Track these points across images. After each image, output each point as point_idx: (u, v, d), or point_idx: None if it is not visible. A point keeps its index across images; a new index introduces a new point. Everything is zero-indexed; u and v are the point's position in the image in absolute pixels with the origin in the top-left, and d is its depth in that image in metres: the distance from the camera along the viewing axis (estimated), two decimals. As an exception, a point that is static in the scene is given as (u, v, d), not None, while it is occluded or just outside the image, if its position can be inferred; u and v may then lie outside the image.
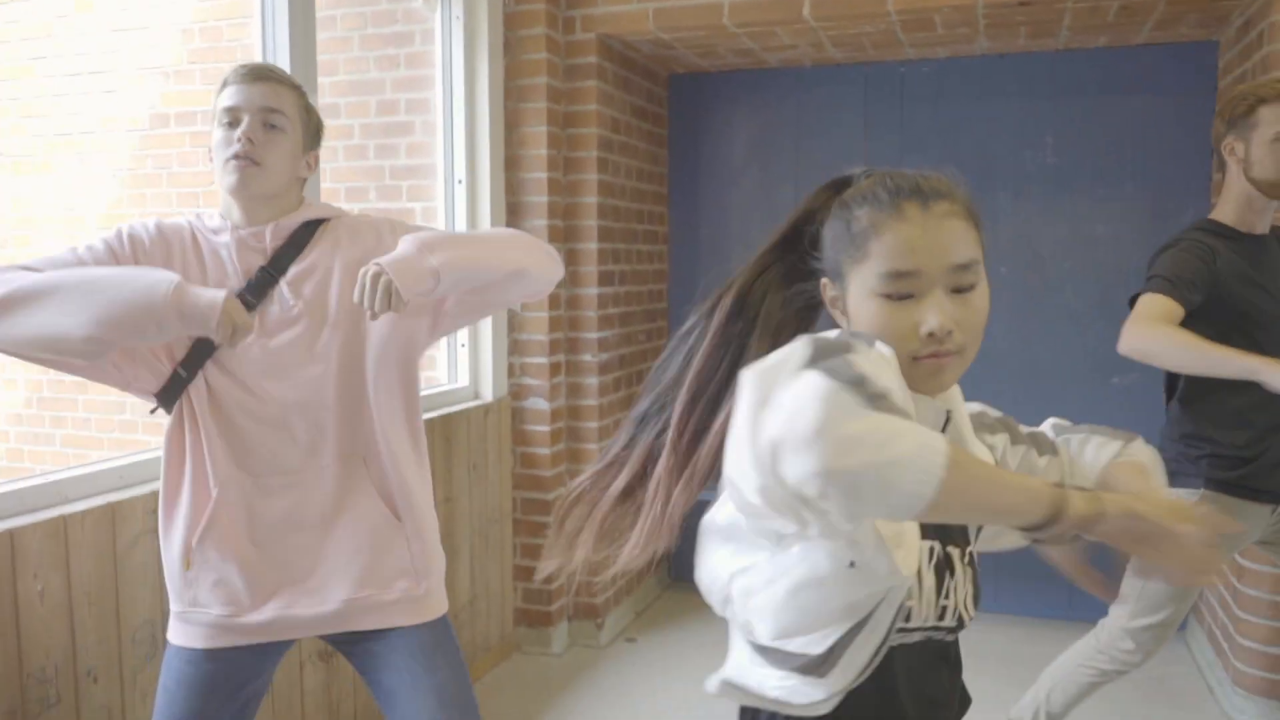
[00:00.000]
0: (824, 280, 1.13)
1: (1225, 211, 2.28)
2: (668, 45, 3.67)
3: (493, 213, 3.45)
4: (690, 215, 4.24)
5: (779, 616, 0.97)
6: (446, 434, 3.13)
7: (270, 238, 1.66)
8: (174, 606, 1.66)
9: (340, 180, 3.78)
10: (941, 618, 1.06)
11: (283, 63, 2.59)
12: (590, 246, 3.60)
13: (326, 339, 1.65)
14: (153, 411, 1.68)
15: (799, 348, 0.88)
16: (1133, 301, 2.24)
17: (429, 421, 2.78)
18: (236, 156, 1.60)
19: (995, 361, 3.72)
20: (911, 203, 1.03)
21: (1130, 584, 2.34)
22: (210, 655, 1.64)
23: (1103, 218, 3.71)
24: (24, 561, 1.82)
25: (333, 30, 3.76)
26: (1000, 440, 1.20)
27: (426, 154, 3.63)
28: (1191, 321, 2.13)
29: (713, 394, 1.10)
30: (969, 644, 1.17)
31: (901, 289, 1.02)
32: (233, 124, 1.63)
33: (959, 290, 1.03)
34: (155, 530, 1.69)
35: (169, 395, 1.63)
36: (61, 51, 4.27)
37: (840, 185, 1.15)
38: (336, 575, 1.66)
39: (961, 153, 3.85)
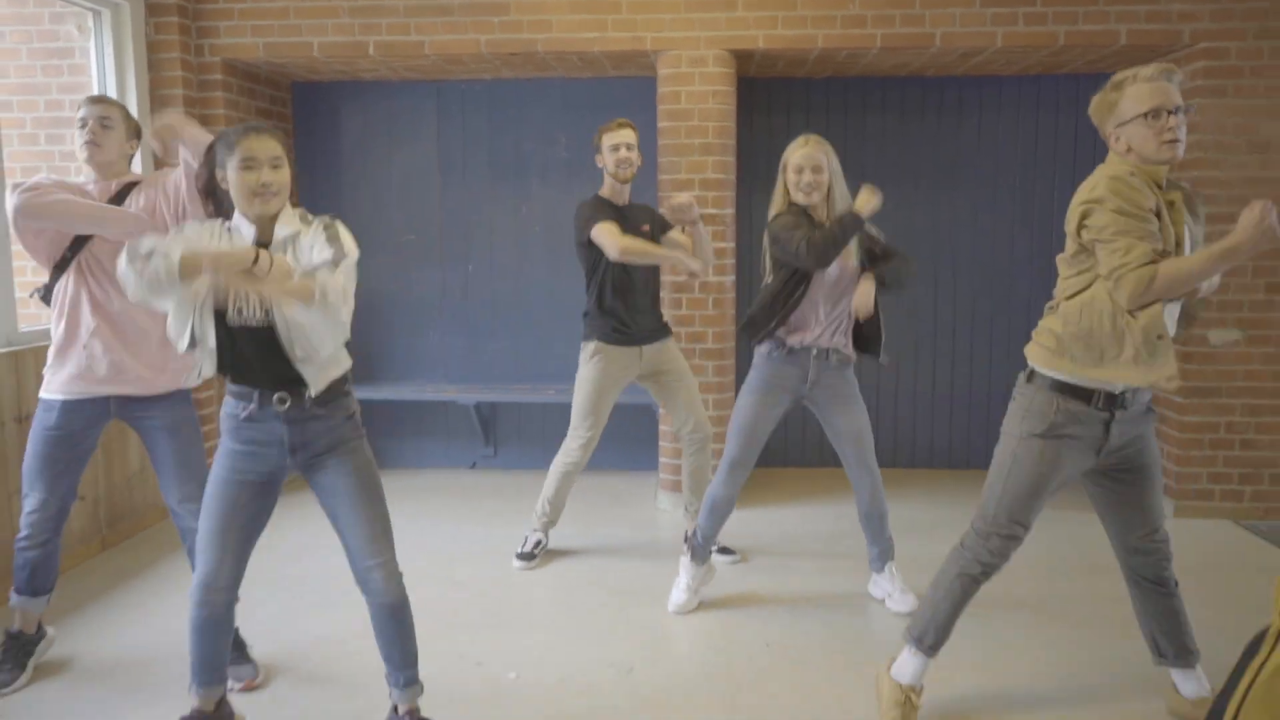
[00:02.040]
0: (219, 175, 2.42)
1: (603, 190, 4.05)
2: (280, 66, 5.01)
3: (145, 188, 4.67)
4: (312, 191, 5.62)
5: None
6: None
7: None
8: None
9: (17, 161, 4.81)
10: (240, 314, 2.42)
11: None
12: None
13: None
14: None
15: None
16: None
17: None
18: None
19: (542, 298, 5.40)
20: (249, 132, 2.38)
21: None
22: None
23: (596, 194, 5.46)
24: None
25: (2, 42, 4.77)
26: (308, 231, 2.49)
27: (90, 142, 4.75)
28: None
29: None
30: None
31: (250, 165, 2.36)
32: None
33: (275, 167, 2.40)
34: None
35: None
36: None
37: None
38: None
39: (506, 149, 5.50)
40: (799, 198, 3.36)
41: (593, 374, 4.04)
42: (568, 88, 5.46)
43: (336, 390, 2.53)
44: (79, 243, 2.98)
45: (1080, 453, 2.57)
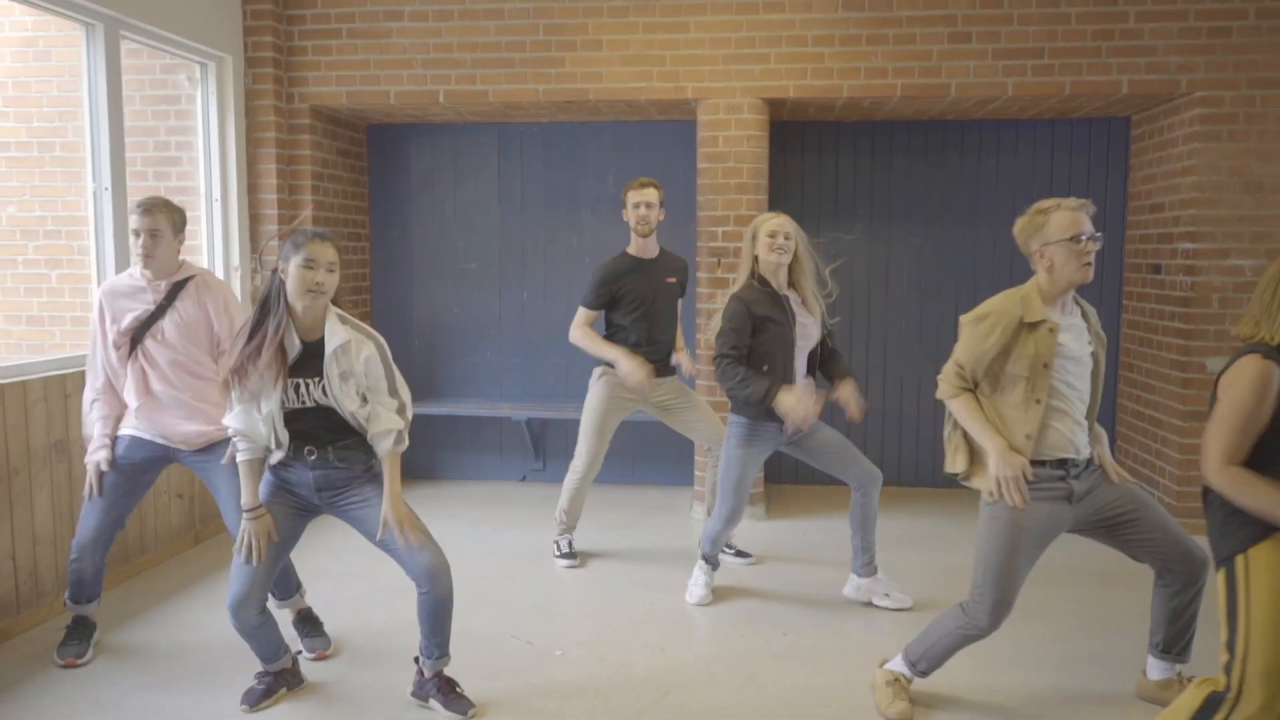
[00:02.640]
0: (280, 266, 2.95)
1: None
2: (360, 111, 5.59)
3: (239, 221, 5.27)
4: (384, 222, 6.19)
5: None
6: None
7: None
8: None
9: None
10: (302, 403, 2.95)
11: (100, 111, 4.31)
12: (308, 243, 5.47)
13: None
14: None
15: None
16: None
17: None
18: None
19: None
20: (314, 238, 2.91)
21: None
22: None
23: (641, 227, 5.95)
24: (-19, 407, 3.55)
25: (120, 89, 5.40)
26: (354, 341, 3.03)
27: (192, 179, 5.36)
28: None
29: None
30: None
31: (310, 265, 2.88)
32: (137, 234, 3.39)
33: (330, 271, 2.92)
34: (45, 399, 3.46)
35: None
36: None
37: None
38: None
39: (559, 185, 6.02)
40: (771, 258, 3.78)
41: (598, 395, 4.50)
42: (616, 130, 5.97)
43: (357, 451, 3.02)
44: (135, 339, 3.46)
45: (1051, 502, 2.93)
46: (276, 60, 5.32)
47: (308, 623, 3.63)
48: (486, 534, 5.12)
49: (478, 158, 6.09)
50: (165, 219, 3.42)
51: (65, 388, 3.96)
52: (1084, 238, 2.82)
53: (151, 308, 3.46)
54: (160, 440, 3.50)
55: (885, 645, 3.60)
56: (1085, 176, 5.74)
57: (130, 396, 3.49)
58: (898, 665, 3.20)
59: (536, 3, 5.21)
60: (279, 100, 5.35)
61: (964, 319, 2.99)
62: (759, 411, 3.81)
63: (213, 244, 5.27)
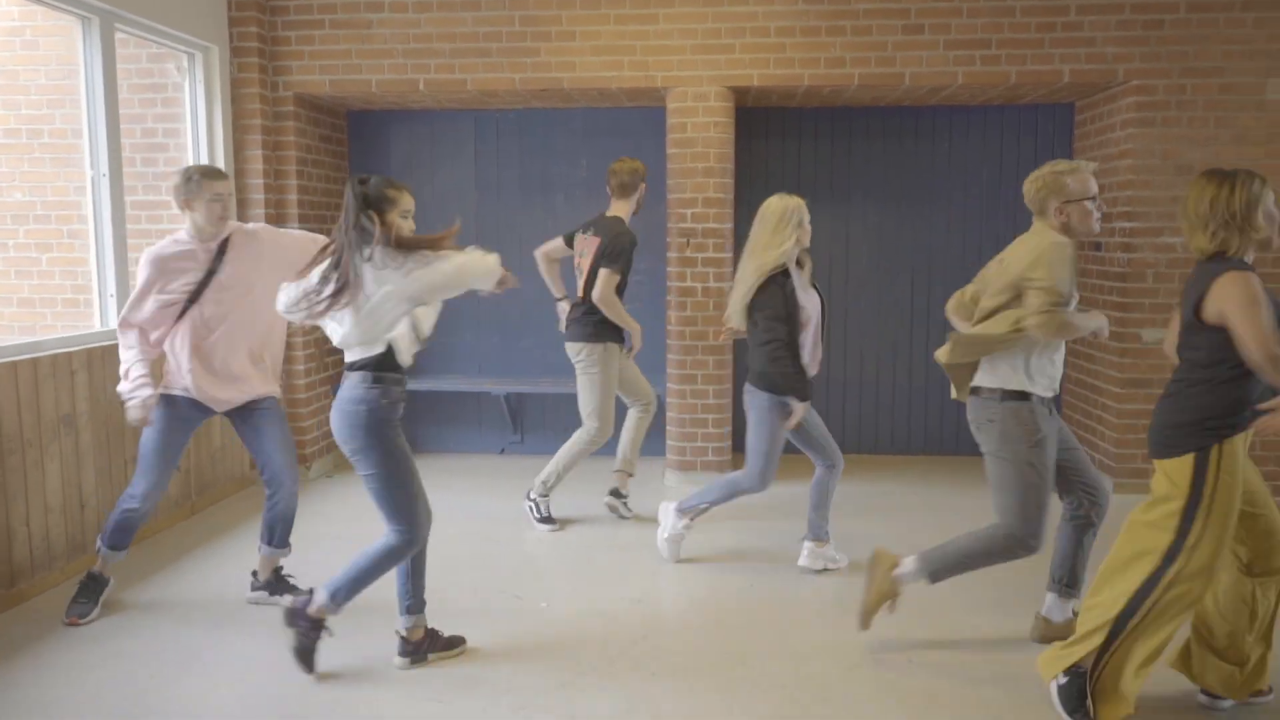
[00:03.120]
0: (374, 214, 3.14)
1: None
2: (341, 99, 5.80)
3: (227, 205, 5.46)
4: (365, 205, 6.39)
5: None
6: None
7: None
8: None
9: (117, 181, 5.59)
10: None
11: (97, 101, 4.50)
12: (294, 226, 5.68)
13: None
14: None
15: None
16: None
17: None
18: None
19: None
20: (405, 189, 3.13)
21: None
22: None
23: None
24: (-4, 382, 3.77)
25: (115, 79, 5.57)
26: None
27: (180, 164, 5.54)
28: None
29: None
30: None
31: (408, 215, 3.11)
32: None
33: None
34: (54, 375, 3.69)
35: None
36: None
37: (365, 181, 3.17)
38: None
39: (534, 170, 6.27)
40: (805, 241, 4.02)
41: (609, 370, 4.82)
42: (588, 117, 6.23)
43: None
44: (189, 301, 3.64)
45: (1054, 444, 3.26)
46: (261, 50, 5.52)
47: (282, 584, 3.93)
48: (470, 503, 5.39)
49: (454, 143, 6.33)
50: (231, 181, 3.73)
51: (71, 364, 4.18)
52: (1096, 198, 3.10)
53: (203, 272, 3.61)
54: (205, 401, 3.73)
55: (838, 594, 3.93)
56: (1033, 159, 6.08)
57: (182, 359, 3.64)
58: (908, 570, 3.35)
59: (512, -5, 5.46)
60: (264, 89, 5.55)
61: (1044, 254, 3.06)
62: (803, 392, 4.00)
63: (202, 228, 5.46)
